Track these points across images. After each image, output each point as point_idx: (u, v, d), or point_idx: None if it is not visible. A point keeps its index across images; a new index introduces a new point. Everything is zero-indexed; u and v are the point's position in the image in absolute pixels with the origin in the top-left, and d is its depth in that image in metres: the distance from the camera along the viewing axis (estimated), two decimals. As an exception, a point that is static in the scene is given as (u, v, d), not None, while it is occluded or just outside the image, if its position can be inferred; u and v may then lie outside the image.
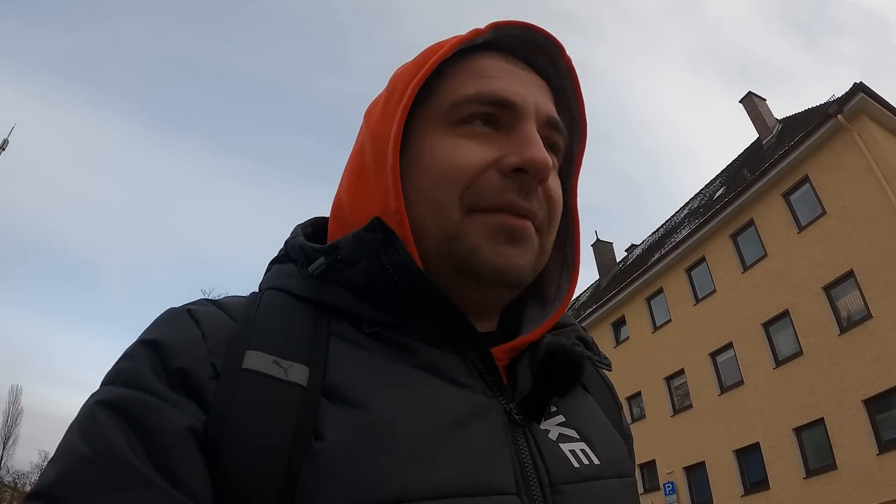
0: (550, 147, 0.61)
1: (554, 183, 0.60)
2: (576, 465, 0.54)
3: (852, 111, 13.50)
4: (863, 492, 12.21)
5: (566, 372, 0.58)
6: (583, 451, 0.57)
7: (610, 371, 0.74)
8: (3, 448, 44.71)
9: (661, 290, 18.98)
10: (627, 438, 0.71)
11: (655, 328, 18.97)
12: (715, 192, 19.83)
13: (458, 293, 0.57)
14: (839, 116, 13.52)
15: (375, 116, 0.62)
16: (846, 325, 13.42)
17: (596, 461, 0.56)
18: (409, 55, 0.65)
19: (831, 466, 13.17)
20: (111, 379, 0.47)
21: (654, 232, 24.20)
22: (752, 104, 19.20)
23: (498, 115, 0.58)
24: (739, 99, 19.51)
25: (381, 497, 0.43)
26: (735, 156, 21.18)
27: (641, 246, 24.53)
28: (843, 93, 13.83)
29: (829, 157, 14.04)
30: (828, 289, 13.90)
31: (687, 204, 22.83)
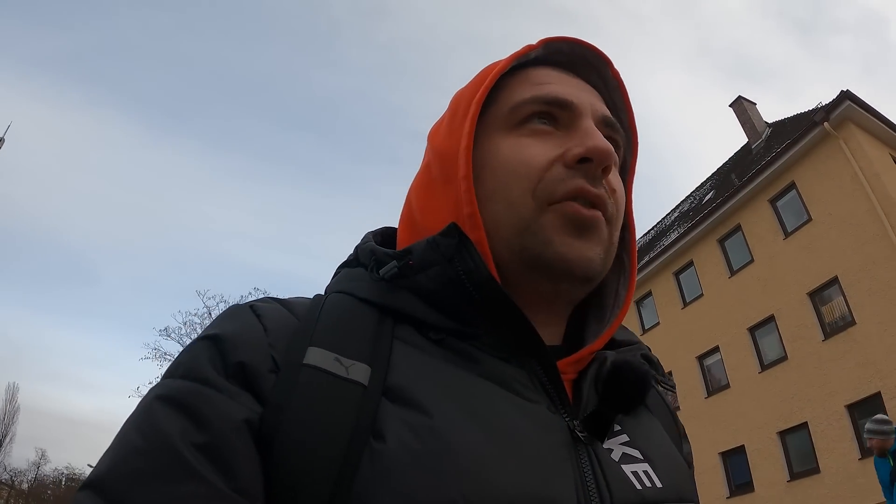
0: (610, 143, 0.60)
1: (616, 179, 0.60)
2: (638, 486, 0.53)
3: (839, 119, 13.54)
4: (845, 496, 12.28)
5: (632, 389, 0.57)
6: (645, 472, 0.55)
7: (674, 392, 0.72)
8: (0, 446, 44.66)
9: (650, 293, 19.05)
10: (689, 466, 0.70)
11: (644, 330, 19.02)
12: (704, 196, 19.88)
13: (528, 291, 0.57)
14: (825, 124, 13.55)
15: (441, 136, 0.63)
16: (830, 330, 13.48)
17: (658, 484, 0.55)
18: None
19: (815, 470, 13.25)
20: (171, 372, 0.48)
21: (646, 234, 24.25)
22: (742, 108, 19.24)
23: (556, 114, 0.59)
24: (730, 103, 19.53)
25: (440, 500, 0.43)
26: (726, 159, 21.23)
27: (633, 247, 24.56)
28: (830, 100, 13.86)
29: (816, 164, 14.08)
30: (813, 295, 13.97)
31: (677, 206, 22.88)
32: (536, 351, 0.54)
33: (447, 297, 0.54)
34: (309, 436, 0.44)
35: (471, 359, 0.53)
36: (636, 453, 0.57)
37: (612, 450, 0.55)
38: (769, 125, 18.69)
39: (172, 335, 24.58)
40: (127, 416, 0.46)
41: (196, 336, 0.51)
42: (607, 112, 0.62)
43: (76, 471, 53.88)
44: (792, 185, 14.72)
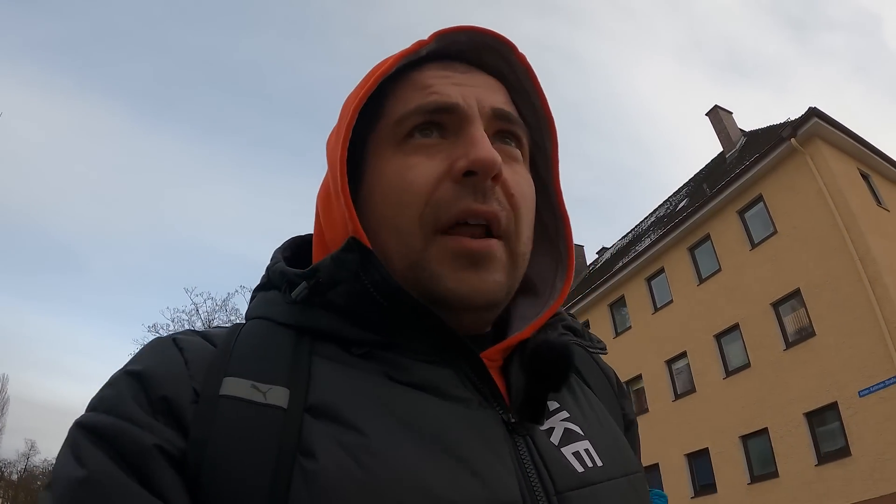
0: (505, 138, 0.59)
1: (515, 177, 0.58)
2: (580, 469, 0.53)
3: (806, 135, 13.70)
4: (802, 500, 12.58)
5: (554, 367, 0.56)
6: (586, 451, 0.55)
7: (605, 354, 0.70)
8: (-9, 438, 44.25)
9: (623, 298, 19.24)
10: (631, 424, 0.70)
11: (617, 333, 19.25)
12: (679, 203, 20.05)
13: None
14: (792, 140, 13.72)
15: (330, 143, 0.61)
16: (791, 341, 13.74)
17: (599, 462, 0.55)
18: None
19: (774, 474, 13.55)
20: (94, 406, 0.47)
21: (624, 236, 24.46)
22: (718, 117, 19.39)
23: (442, 121, 0.57)
24: (706, 112, 19.69)
25: None
26: (702, 165, 21.43)
27: (611, 250, 24.80)
28: (798, 116, 14.04)
29: (783, 179, 14.28)
30: (776, 305, 14.21)
31: (655, 211, 23.07)
32: (460, 351, 0.54)
33: (362, 311, 0.53)
34: (233, 466, 0.44)
35: (397, 368, 0.52)
36: (577, 429, 0.57)
37: (554, 428, 0.55)
38: (744, 134, 18.85)
39: (161, 331, 24.63)
40: (60, 451, 0.47)
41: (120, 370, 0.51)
42: (497, 103, 0.59)
43: None
44: (759, 198, 14.93)
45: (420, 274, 0.54)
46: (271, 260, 0.63)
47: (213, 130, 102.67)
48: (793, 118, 14.44)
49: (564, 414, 0.57)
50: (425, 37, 0.59)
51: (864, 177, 14.78)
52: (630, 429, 0.69)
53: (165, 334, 0.55)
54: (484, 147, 0.54)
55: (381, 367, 0.52)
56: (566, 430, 0.56)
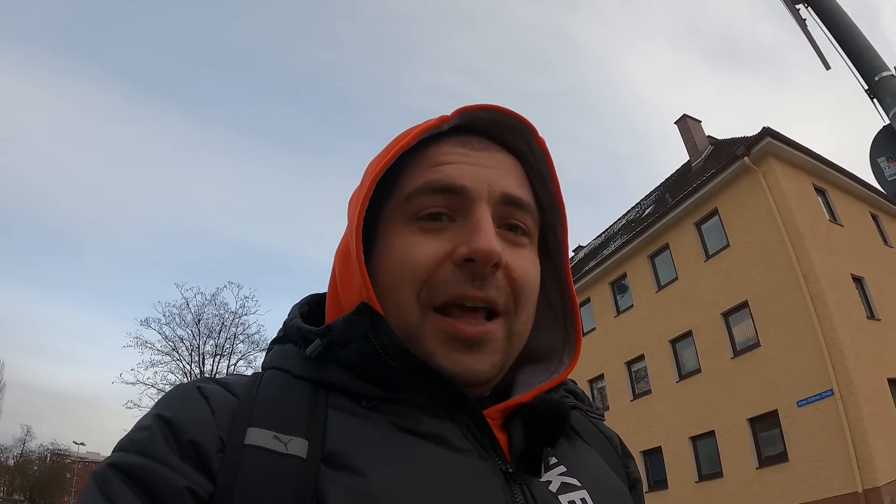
0: (512, 227, 0.60)
1: (519, 261, 0.58)
2: None
3: (759, 153, 13.98)
4: (743, 500, 13.07)
5: (550, 422, 0.58)
6: (582, 499, 0.56)
7: (602, 419, 0.73)
8: (-13, 424, 44.07)
9: (588, 300, 19.60)
10: (636, 483, 0.71)
11: (583, 334, 19.51)
12: (646, 209, 20.31)
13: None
14: (746, 158, 14.00)
15: (350, 206, 0.63)
16: (738, 350, 14.16)
17: None
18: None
19: (719, 474, 14.06)
20: (124, 446, 0.49)
21: (598, 236, 24.73)
22: (686, 126, 19.52)
23: (449, 202, 0.57)
24: (675, 120, 19.84)
25: None
26: (670, 172, 21.64)
27: (585, 249, 25.06)
28: (753, 135, 14.28)
29: (737, 194, 14.58)
30: (725, 315, 14.60)
31: (625, 215, 23.33)
32: (463, 406, 0.55)
33: (371, 369, 0.55)
34: None
35: (402, 419, 0.54)
36: (574, 481, 0.58)
37: (551, 481, 0.57)
38: (711, 143, 19.05)
39: (153, 325, 24.92)
40: (86, 484, 0.48)
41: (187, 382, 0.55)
42: (508, 189, 0.59)
43: (61, 446, 53.33)
44: (715, 212, 15.23)
45: (415, 347, 0.56)
46: (289, 315, 0.65)
47: (208, 115, 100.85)
48: (751, 134, 14.69)
49: (562, 468, 0.59)
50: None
51: (821, 192, 15.12)
52: (636, 487, 0.70)
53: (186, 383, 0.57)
54: (486, 236, 0.55)
55: (389, 417, 0.54)
56: (563, 483, 0.57)
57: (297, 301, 0.69)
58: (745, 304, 14.04)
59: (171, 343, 24.78)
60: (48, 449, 52.12)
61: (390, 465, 0.49)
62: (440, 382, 0.55)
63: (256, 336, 26.48)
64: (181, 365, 25.05)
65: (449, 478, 0.51)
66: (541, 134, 0.63)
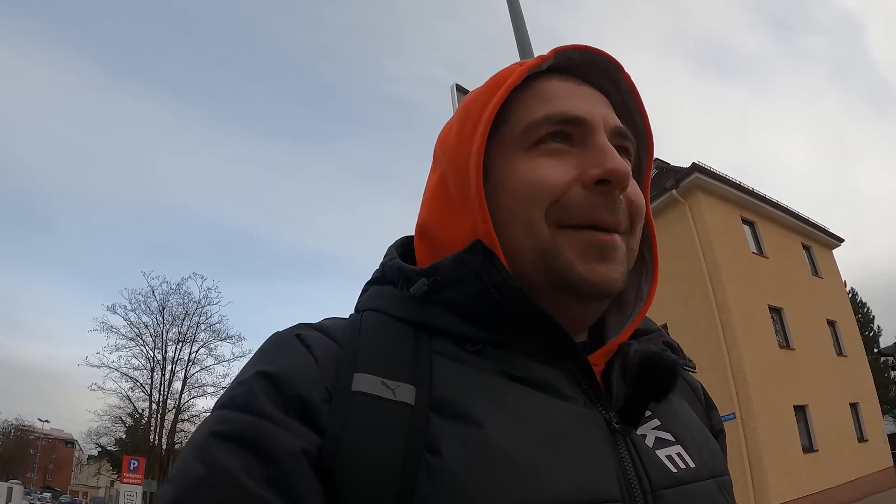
0: (623, 153, 0.60)
1: (633, 187, 0.59)
2: (673, 469, 0.54)
3: (687, 187, 14.62)
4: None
5: (662, 380, 0.57)
6: (678, 454, 0.56)
7: (695, 373, 0.73)
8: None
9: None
10: (720, 434, 0.71)
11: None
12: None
13: (557, 309, 0.56)
14: (674, 191, 14.68)
15: (450, 145, 0.62)
16: (658, 370, 14.72)
17: (691, 464, 0.56)
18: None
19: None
20: (226, 403, 0.47)
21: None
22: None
23: (569, 132, 0.57)
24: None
25: None
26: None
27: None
28: (683, 168, 14.95)
29: (666, 224, 15.14)
30: (649, 337, 15.15)
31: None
32: (570, 352, 0.55)
33: (478, 310, 0.54)
34: (365, 460, 0.45)
35: (509, 366, 0.53)
36: (668, 436, 0.57)
37: (646, 435, 0.56)
38: (656, 166, 19.62)
39: (119, 311, 25.58)
40: (186, 447, 0.47)
41: (248, 364, 0.51)
42: (618, 123, 0.60)
43: (25, 422, 52.82)
44: (647, 238, 15.73)
45: (552, 262, 0.55)
46: (386, 256, 0.64)
47: (186, 92, 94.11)
48: (685, 165, 15.32)
49: (656, 422, 0.58)
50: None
51: (749, 223, 15.79)
52: (718, 437, 0.69)
53: (282, 330, 0.55)
54: (617, 158, 0.55)
55: (495, 363, 0.53)
56: (658, 437, 0.57)
57: (391, 243, 0.68)
58: (665, 327, 14.48)
59: (135, 329, 25.64)
60: (12, 425, 51.47)
61: (501, 414, 0.49)
62: (551, 326, 0.54)
63: (218, 325, 27.30)
64: (145, 350, 25.94)
65: (557, 425, 0.50)
66: (626, 71, 0.64)
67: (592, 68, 0.63)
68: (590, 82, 0.63)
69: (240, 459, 0.43)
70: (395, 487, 0.44)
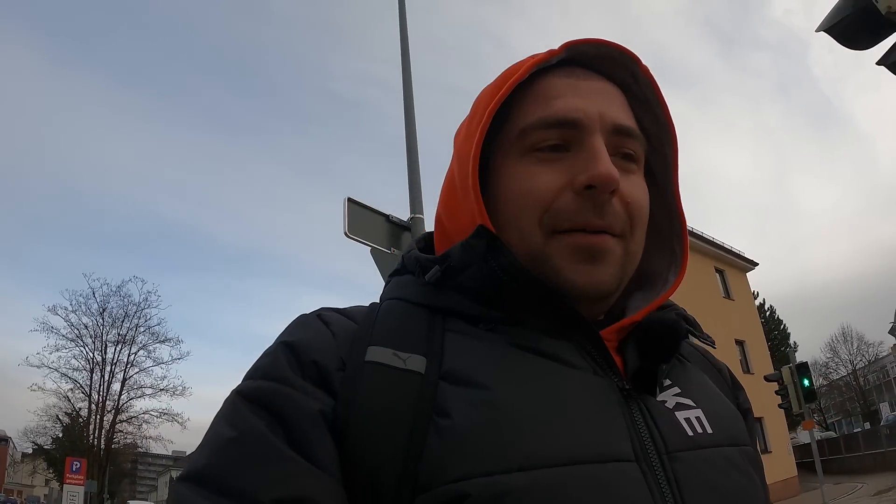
0: (624, 156, 0.59)
1: (631, 187, 0.58)
2: (690, 433, 0.54)
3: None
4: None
5: (666, 338, 0.58)
6: (697, 418, 0.56)
7: (714, 348, 0.72)
8: None
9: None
10: (747, 413, 0.69)
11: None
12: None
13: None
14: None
15: (460, 138, 0.64)
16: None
17: (710, 430, 0.56)
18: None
19: None
20: (251, 374, 0.51)
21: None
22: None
23: (563, 135, 0.57)
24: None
25: (508, 466, 0.44)
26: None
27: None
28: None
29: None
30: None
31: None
32: (580, 326, 0.55)
33: (489, 292, 0.56)
34: (376, 422, 0.47)
35: (520, 339, 0.54)
36: (688, 401, 0.57)
37: (666, 400, 0.56)
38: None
39: (59, 312, 25.23)
40: (213, 416, 0.50)
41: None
42: (618, 119, 0.59)
43: None
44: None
45: (541, 267, 0.56)
46: (406, 248, 0.67)
47: (126, 79, 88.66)
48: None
49: (676, 389, 0.58)
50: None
51: (719, 272, 17.04)
52: (746, 417, 0.68)
53: (308, 313, 0.58)
54: (604, 163, 0.55)
55: (506, 337, 0.55)
56: (678, 402, 0.57)
57: (415, 238, 0.72)
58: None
59: (76, 330, 25.49)
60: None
61: (510, 378, 0.50)
62: (558, 301, 0.55)
63: (157, 328, 27.12)
64: (84, 351, 25.77)
65: (567, 389, 0.51)
66: (644, 62, 0.63)
67: (610, 61, 0.63)
68: (607, 75, 0.63)
69: (264, 420, 0.46)
70: (402, 448, 0.46)
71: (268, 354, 0.53)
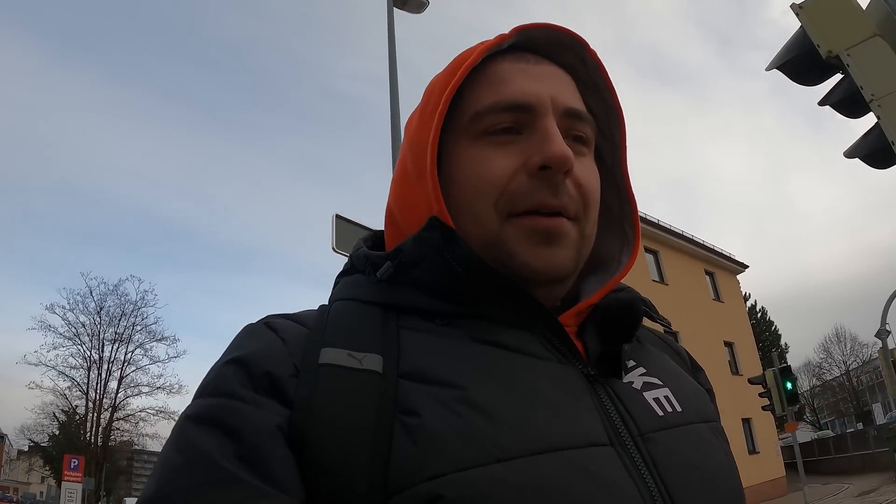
0: (576, 138, 0.59)
1: (584, 170, 0.58)
2: (660, 412, 0.54)
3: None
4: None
5: (623, 318, 0.58)
6: (666, 397, 0.56)
7: (669, 328, 0.71)
8: None
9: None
10: (709, 392, 0.70)
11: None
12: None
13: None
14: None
15: (413, 127, 0.63)
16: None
17: (679, 408, 0.56)
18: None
19: None
20: (199, 393, 0.49)
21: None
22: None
23: (516, 119, 0.57)
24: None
25: (484, 459, 0.43)
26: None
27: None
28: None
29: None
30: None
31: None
32: (540, 315, 0.55)
33: (445, 285, 0.55)
34: (337, 426, 0.45)
35: (480, 333, 0.53)
36: (655, 380, 0.58)
37: (633, 381, 0.56)
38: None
39: (57, 310, 25.39)
40: (167, 440, 0.47)
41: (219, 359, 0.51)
42: (569, 102, 0.59)
43: None
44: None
45: (497, 252, 0.55)
46: (354, 248, 0.65)
47: (124, 76, 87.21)
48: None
49: (642, 370, 0.59)
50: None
51: (652, 252, 17.13)
52: (710, 397, 0.69)
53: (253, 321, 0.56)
54: (557, 143, 0.54)
55: (465, 331, 0.53)
56: (645, 382, 0.57)
57: (362, 237, 0.70)
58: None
59: (73, 328, 25.68)
60: None
61: (474, 373, 0.49)
62: (515, 291, 0.54)
63: (154, 327, 27.28)
64: (82, 350, 25.95)
65: (532, 380, 0.50)
66: (592, 47, 0.63)
67: (559, 45, 0.63)
68: (555, 60, 0.63)
69: (213, 440, 0.44)
70: (367, 450, 0.44)
71: (215, 370, 0.50)
